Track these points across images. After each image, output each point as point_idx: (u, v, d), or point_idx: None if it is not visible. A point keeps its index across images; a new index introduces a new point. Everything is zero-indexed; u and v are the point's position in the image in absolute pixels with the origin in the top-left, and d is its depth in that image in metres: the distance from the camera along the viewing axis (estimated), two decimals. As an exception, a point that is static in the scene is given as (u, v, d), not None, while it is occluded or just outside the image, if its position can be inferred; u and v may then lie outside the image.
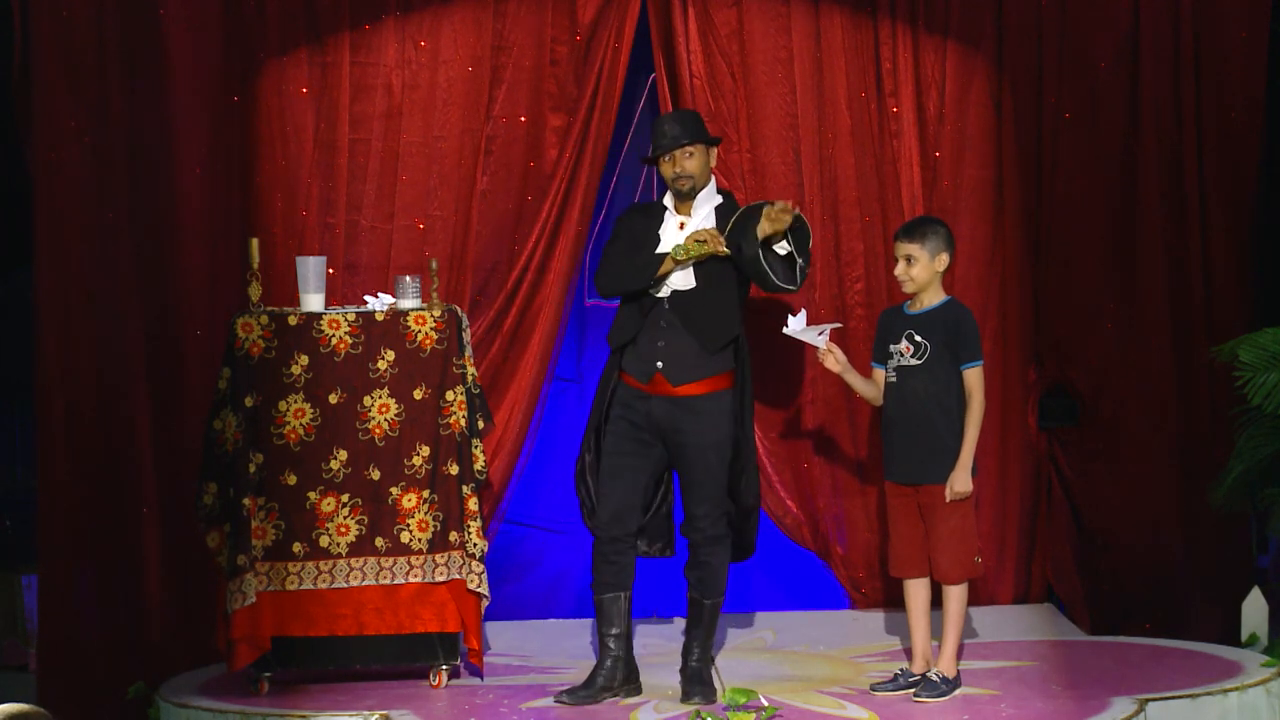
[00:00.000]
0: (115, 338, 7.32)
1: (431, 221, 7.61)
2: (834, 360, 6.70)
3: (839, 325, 7.09)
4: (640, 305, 6.62)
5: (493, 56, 7.63)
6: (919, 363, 6.58)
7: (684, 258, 6.51)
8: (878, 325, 6.82)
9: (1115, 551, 7.90)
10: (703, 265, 6.56)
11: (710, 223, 6.63)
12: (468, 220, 7.63)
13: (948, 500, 6.55)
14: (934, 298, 6.64)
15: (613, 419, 6.63)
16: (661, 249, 6.59)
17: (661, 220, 6.68)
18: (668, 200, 6.71)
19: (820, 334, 6.66)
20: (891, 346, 6.65)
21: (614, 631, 6.61)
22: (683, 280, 6.57)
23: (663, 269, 6.53)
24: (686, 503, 6.65)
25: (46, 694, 7.13)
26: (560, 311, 7.69)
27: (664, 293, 6.57)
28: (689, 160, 6.61)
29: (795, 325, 6.64)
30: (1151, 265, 7.86)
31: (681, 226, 6.64)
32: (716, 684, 6.68)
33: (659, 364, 6.55)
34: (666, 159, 6.63)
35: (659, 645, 7.28)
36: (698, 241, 6.50)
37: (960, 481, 6.54)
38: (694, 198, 6.66)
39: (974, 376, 6.57)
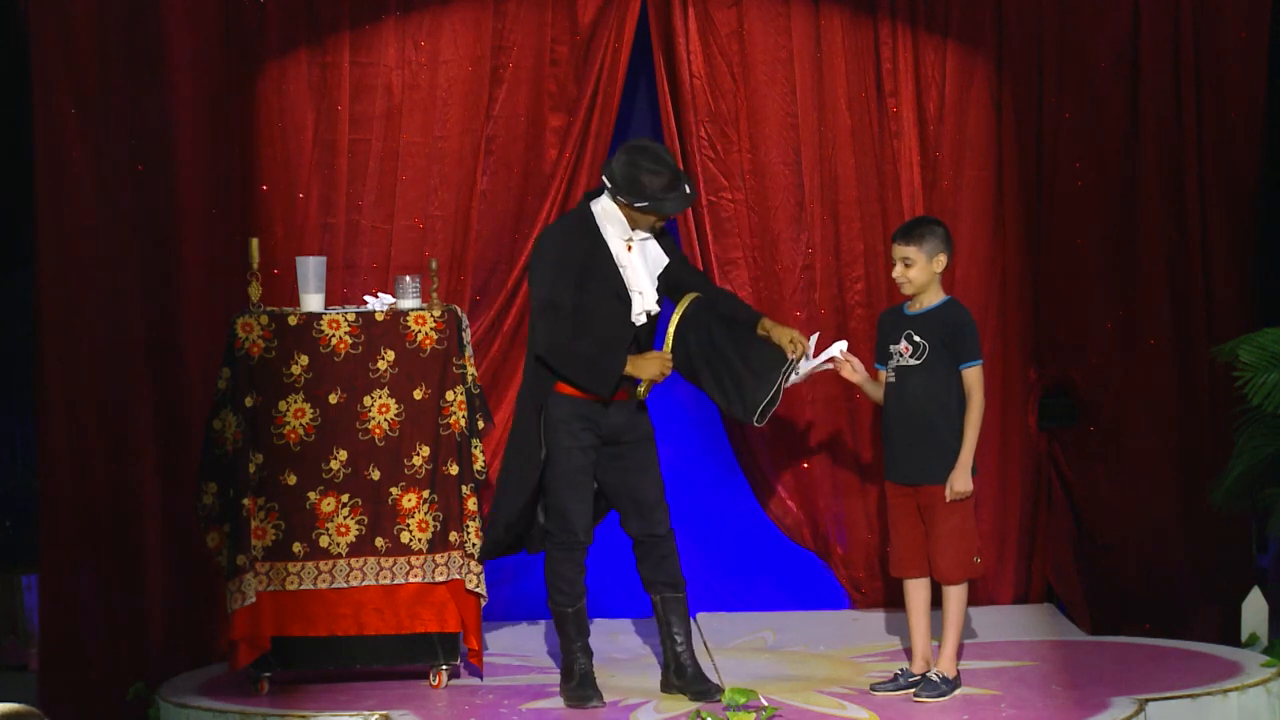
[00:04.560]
0: (115, 338, 7.32)
1: (431, 221, 7.61)
2: (850, 370, 6.70)
3: (839, 351, 6.88)
4: (614, 340, 6.46)
5: (493, 56, 7.63)
6: (918, 363, 6.58)
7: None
8: (878, 326, 6.81)
9: (1115, 551, 7.89)
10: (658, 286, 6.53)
11: (650, 242, 6.52)
12: (468, 220, 7.63)
13: (948, 500, 6.55)
14: (933, 298, 6.63)
15: (571, 434, 6.47)
16: (633, 275, 6.45)
17: (606, 247, 6.46)
18: (605, 221, 6.47)
19: (827, 357, 6.62)
20: (891, 347, 6.65)
21: (587, 639, 6.61)
22: (651, 303, 6.50)
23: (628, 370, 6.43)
24: (643, 501, 6.56)
25: (46, 694, 7.13)
26: (560, 311, 7.68)
27: (641, 321, 6.48)
28: None
29: (805, 367, 6.53)
30: (1151, 265, 7.86)
31: (630, 247, 6.49)
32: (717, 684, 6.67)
33: (638, 381, 6.50)
34: None
35: (657, 645, 7.26)
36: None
37: (960, 481, 6.54)
38: None
39: (973, 376, 6.57)
